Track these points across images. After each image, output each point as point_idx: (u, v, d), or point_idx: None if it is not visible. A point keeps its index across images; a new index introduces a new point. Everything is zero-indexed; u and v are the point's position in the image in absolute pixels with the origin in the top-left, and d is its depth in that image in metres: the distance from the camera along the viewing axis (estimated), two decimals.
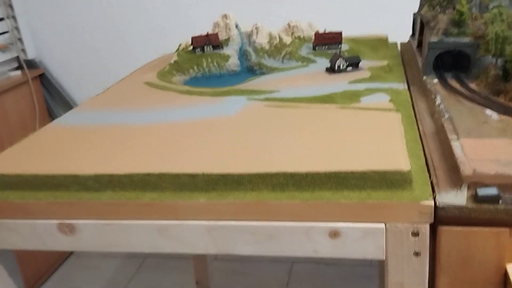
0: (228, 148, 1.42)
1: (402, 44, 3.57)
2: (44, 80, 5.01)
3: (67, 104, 5.30)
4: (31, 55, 4.89)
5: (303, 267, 4.19)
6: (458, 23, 2.21)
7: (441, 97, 1.84)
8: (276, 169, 1.25)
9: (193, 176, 1.29)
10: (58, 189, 1.35)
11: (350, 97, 2.13)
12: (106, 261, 4.53)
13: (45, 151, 1.52)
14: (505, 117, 1.51)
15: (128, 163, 1.37)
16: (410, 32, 3.40)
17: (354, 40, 3.33)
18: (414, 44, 3.14)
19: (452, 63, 2.40)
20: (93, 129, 1.71)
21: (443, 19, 2.34)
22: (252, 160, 1.32)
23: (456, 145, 1.30)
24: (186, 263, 3.91)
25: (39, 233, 1.35)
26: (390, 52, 3.14)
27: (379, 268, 3.81)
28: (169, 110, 1.89)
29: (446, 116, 1.58)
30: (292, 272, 4.17)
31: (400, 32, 3.59)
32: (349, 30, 3.62)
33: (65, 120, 1.90)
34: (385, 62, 2.70)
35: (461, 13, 2.16)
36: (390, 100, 1.95)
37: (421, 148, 1.41)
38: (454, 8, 2.42)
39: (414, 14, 3.52)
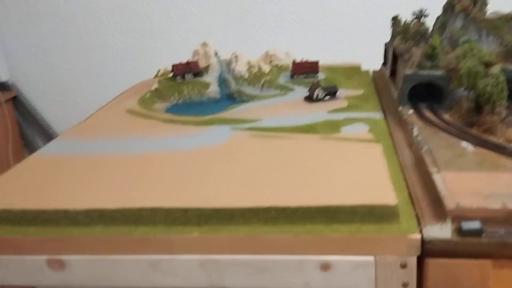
0: (218, 181, 1.44)
1: (374, 71, 3.69)
2: (17, 103, 4.91)
3: (40, 127, 5.20)
4: (4, 77, 4.80)
5: None
6: (431, 56, 2.31)
7: (418, 128, 1.91)
8: (267, 203, 1.27)
9: (185, 211, 1.30)
10: (47, 224, 1.34)
11: (330, 127, 2.18)
12: None
13: (32, 184, 1.50)
14: (479, 149, 1.58)
15: (119, 197, 1.37)
16: (381, 60, 3.52)
17: (330, 69, 3.43)
18: (387, 73, 3.25)
19: (425, 93, 2.50)
20: (80, 160, 1.70)
21: (417, 53, 2.44)
22: (244, 194, 1.34)
23: (437, 178, 1.36)
24: None
25: (28, 269, 1.33)
26: (363, 80, 3.25)
27: None
28: (155, 140, 1.90)
29: (425, 148, 1.64)
30: None
31: (370, 58, 3.71)
32: (323, 56, 3.72)
33: (49, 150, 1.88)
34: (360, 91, 2.78)
35: (434, 48, 2.27)
36: (369, 131, 2.02)
37: (403, 179, 1.47)
38: (426, 42, 2.53)
39: (386, 44, 3.65)
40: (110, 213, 1.28)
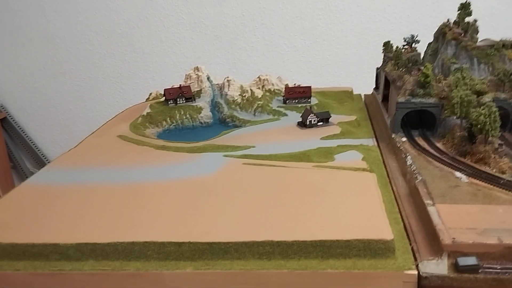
0: (212, 214, 1.43)
1: (366, 96, 3.73)
2: (6, 124, 4.88)
3: (29, 149, 5.15)
4: None
5: None
6: (424, 84, 2.34)
7: (411, 157, 1.93)
8: (262, 238, 1.26)
9: (179, 245, 1.28)
10: (37, 259, 1.32)
11: (324, 155, 2.19)
12: None
13: (21, 216, 1.48)
14: (473, 180, 1.59)
15: (111, 230, 1.36)
16: (372, 83, 3.57)
17: (322, 93, 3.45)
18: (379, 97, 3.28)
19: (417, 119, 2.52)
20: (71, 190, 1.68)
21: (410, 80, 2.47)
22: (238, 227, 1.33)
23: (432, 211, 1.36)
24: None
25: None
26: (356, 105, 3.27)
27: None
28: (148, 168, 1.88)
29: (419, 178, 1.65)
30: None
31: (360, 81, 3.75)
32: (314, 79, 3.75)
33: (39, 179, 1.85)
34: (353, 117, 2.80)
35: (426, 76, 2.30)
36: (363, 159, 2.02)
37: (398, 210, 1.47)
38: (419, 70, 2.57)
39: (378, 69, 3.69)
40: (101, 248, 1.27)
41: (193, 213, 1.36)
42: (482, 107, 1.65)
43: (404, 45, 3.51)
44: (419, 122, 2.19)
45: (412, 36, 3.12)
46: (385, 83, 2.80)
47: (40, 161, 4.90)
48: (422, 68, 2.21)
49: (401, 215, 1.40)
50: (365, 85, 3.26)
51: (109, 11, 4.42)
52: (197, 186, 1.56)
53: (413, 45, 3.41)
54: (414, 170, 1.62)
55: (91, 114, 4.82)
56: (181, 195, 1.49)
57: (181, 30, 4.50)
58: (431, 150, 1.84)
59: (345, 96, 2.98)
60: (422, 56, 2.66)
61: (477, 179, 1.53)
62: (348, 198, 1.41)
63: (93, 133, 2.42)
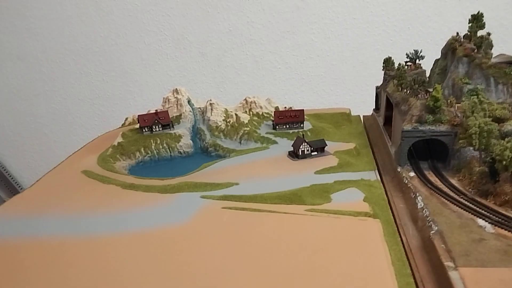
0: (183, 282, 1.13)
1: (365, 117, 3.45)
2: None
3: (1, 176, 4.86)
4: None
5: None
6: (433, 109, 2.08)
7: (422, 198, 1.63)
8: None
9: None
10: None
11: (319, 194, 1.90)
12: None
13: None
14: (500, 230, 1.29)
15: None
16: (369, 102, 3.29)
17: (316, 116, 3.18)
18: (380, 120, 3.01)
19: (424, 147, 2.24)
20: (20, 246, 1.38)
21: (416, 105, 2.21)
22: None
23: (455, 278, 1.06)
24: None
25: None
26: (354, 128, 3.00)
27: None
28: (109, 215, 1.59)
29: (434, 228, 1.35)
30: None
31: (357, 100, 3.47)
32: (307, 98, 3.46)
33: None
34: (352, 145, 2.52)
35: (436, 99, 2.03)
36: (365, 199, 1.74)
37: (410, 272, 1.17)
38: (426, 92, 2.30)
39: (378, 88, 3.44)
40: None
41: (161, 280, 1.05)
42: (507, 140, 1.35)
43: (406, 62, 3.24)
44: (427, 151, 1.90)
45: (416, 52, 2.87)
46: (386, 104, 2.52)
47: (13, 189, 4.59)
48: (431, 90, 1.93)
49: (414, 278, 1.08)
50: (363, 104, 2.99)
51: (85, 28, 4.15)
52: (166, 240, 1.26)
53: (417, 61, 3.14)
54: (427, 216, 1.32)
55: (68, 138, 4.52)
56: (147, 254, 1.18)
57: (164, 47, 4.23)
58: (446, 189, 1.55)
59: (342, 118, 2.71)
60: (428, 74, 2.39)
61: (506, 229, 1.22)
62: (349, 259, 1.10)
63: (55, 167, 2.11)
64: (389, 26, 4.45)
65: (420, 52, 3.64)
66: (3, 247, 1.35)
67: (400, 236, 1.56)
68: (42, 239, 1.42)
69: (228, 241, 1.35)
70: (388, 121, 2.74)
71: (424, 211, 1.57)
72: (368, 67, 3.95)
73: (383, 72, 3.31)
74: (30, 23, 4.53)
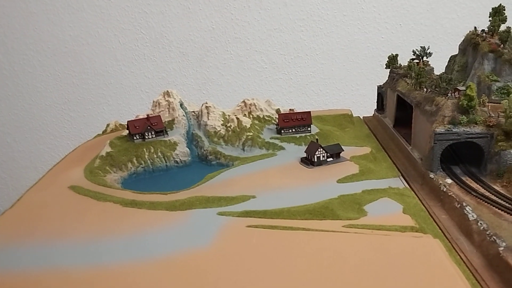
0: None
1: (365, 118, 3.42)
2: None
3: None
4: None
5: None
6: (467, 109, 1.96)
7: (471, 208, 1.49)
8: None
9: None
10: None
11: (351, 207, 1.75)
12: None
13: None
14: None
15: None
16: (363, 100, 3.28)
17: (319, 118, 3.09)
18: (387, 121, 2.91)
19: (449, 151, 2.13)
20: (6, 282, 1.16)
21: (448, 104, 2.08)
22: None
23: None
24: None
25: None
26: (359, 130, 2.94)
27: None
28: (112, 241, 1.37)
29: (502, 245, 1.21)
30: None
31: (349, 100, 3.47)
32: (296, 99, 3.42)
33: None
34: (366, 149, 2.42)
35: (470, 98, 1.91)
36: (404, 211, 1.59)
37: None
38: (455, 90, 2.19)
39: (380, 87, 3.35)
40: None
41: None
42: None
43: (413, 59, 3.17)
44: (453, 154, 1.79)
45: (423, 48, 2.81)
46: (397, 104, 2.41)
47: None
48: (463, 88, 1.80)
49: None
50: (356, 104, 2.95)
51: (53, 26, 3.91)
52: (193, 268, 1.05)
53: (424, 58, 3.10)
54: (485, 230, 1.17)
55: (34, 147, 4.27)
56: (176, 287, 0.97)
57: (140, 47, 4.04)
58: (493, 197, 1.41)
59: (345, 120, 2.62)
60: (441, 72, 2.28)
61: None
62: (421, 285, 0.92)
63: (37, 182, 1.88)
64: (380, 23, 4.37)
65: (428, 48, 3.59)
66: None
67: (457, 253, 1.45)
68: (24, 277, 1.19)
69: (266, 267, 1.20)
70: (398, 123, 2.65)
71: (479, 223, 1.46)
72: (358, 65, 3.86)
73: (385, 70, 3.22)
74: None
